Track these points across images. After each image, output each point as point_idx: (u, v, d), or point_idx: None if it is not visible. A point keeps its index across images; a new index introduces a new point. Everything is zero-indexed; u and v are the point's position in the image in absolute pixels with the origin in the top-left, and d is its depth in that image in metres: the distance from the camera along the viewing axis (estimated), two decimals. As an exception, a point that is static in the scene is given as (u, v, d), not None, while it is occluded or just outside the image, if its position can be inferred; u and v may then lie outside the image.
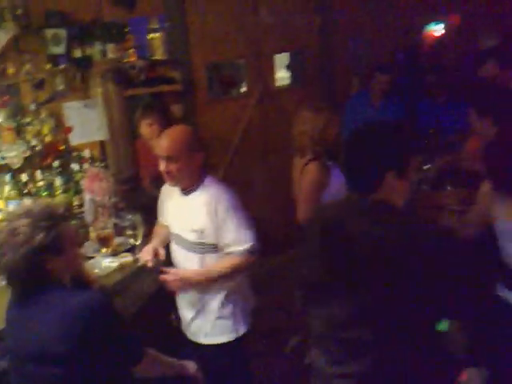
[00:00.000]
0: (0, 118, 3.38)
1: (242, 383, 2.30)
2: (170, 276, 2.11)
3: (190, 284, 2.12)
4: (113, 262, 2.41)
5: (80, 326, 1.48)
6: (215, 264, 2.11)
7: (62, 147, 3.23)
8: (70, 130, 3.17)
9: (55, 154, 3.11)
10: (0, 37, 3.21)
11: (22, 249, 1.49)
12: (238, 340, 2.19)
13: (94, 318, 1.51)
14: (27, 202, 3.26)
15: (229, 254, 2.08)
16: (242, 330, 2.20)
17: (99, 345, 1.52)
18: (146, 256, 2.28)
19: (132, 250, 2.48)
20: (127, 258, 2.43)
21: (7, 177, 3.53)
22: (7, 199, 3.52)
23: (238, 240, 2.05)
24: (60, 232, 1.57)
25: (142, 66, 3.19)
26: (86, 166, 3.45)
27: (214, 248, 2.09)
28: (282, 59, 4.39)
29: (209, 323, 2.18)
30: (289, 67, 4.51)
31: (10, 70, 3.32)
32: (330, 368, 1.56)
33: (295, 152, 2.64)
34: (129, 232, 2.48)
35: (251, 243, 2.06)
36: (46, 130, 3.37)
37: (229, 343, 2.18)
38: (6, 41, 3.22)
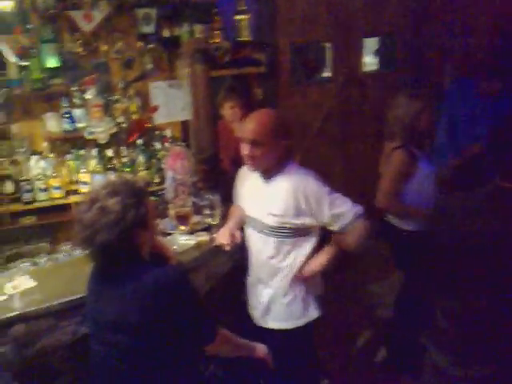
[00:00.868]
0: (90, 95, 3.61)
1: (308, 371, 2.32)
2: (306, 273, 2.16)
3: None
4: (189, 239, 2.50)
5: (156, 300, 1.55)
6: (335, 243, 2.15)
7: (147, 125, 3.39)
8: (155, 109, 3.31)
9: (140, 132, 3.26)
10: (95, 16, 3.42)
11: (116, 227, 1.56)
12: (306, 326, 2.21)
13: (172, 293, 1.58)
14: (111, 176, 3.48)
15: (339, 229, 2.10)
16: (311, 317, 2.22)
17: (174, 320, 1.59)
18: (222, 239, 2.35)
19: (208, 229, 2.56)
20: (203, 236, 2.52)
21: (94, 151, 3.78)
22: (93, 173, 3.78)
23: (342, 214, 2.07)
24: (146, 207, 1.66)
25: (227, 47, 3.26)
26: (167, 144, 3.61)
27: (293, 232, 2.12)
28: (370, 43, 4.29)
29: (278, 308, 2.21)
30: (377, 52, 4.39)
31: (102, 49, 3.53)
32: None
33: (385, 136, 2.61)
34: (206, 211, 2.55)
35: (357, 208, 2.08)
36: (132, 108, 3.56)
37: (297, 329, 2.20)
38: (99, 20, 3.43)
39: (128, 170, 3.78)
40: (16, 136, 3.80)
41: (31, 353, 2.01)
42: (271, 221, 2.12)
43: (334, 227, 2.11)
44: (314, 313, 2.24)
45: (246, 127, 2.10)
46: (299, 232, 2.13)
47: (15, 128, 3.78)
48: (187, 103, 3.31)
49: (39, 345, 2.04)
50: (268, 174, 2.15)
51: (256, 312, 2.30)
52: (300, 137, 3.89)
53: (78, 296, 2.07)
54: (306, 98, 3.86)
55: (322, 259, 2.17)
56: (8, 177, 3.66)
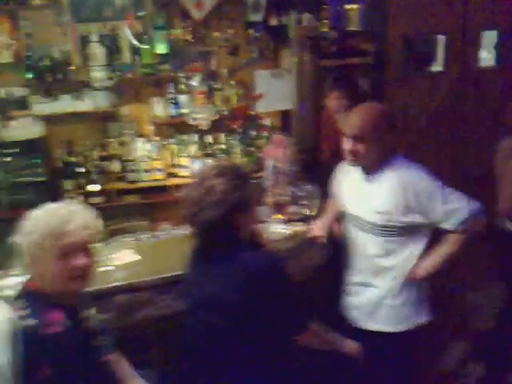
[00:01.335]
0: (195, 82, 3.76)
1: (402, 378, 2.24)
2: (419, 275, 2.09)
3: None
4: (285, 229, 2.52)
5: (253, 283, 1.58)
6: (448, 241, 2.04)
7: (248, 113, 3.45)
8: (258, 97, 3.36)
9: (241, 120, 3.33)
10: (206, 3, 3.54)
11: (220, 207, 1.60)
12: (412, 331, 2.12)
13: (269, 278, 1.60)
14: (211, 161, 3.59)
15: (453, 227, 1.99)
16: (414, 322, 2.12)
17: (267, 305, 1.61)
18: (317, 231, 2.33)
19: (304, 220, 2.57)
20: (299, 227, 2.52)
21: (195, 137, 3.94)
22: (192, 157, 3.94)
23: (456, 210, 1.96)
24: (249, 190, 1.70)
25: (334, 36, 3.22)
26: (265, 133, 3.66)
27: (400, 231, 2.04)
28: (488, 37, 4.02)
29: (384, 310, 2.13)
30: (496, 46, 4.10)
31: (210, 36, 3.65)
32: None
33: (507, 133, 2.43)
34: (304, 202, 2.56)
35: (473, 205, 1.97)
36: (234, 96, 3.66)
37: (401, 333, 2.11)
38: (210, 7, 3.55)
39: (224, 156, 3.90)
40: (125, 118, 4.07)
41: (131, 322, 2.14)
42: (376, 219, 2.05)
43: (447, 225, 1.99)
44: (422, 317, 2.13)
45: (350, 121, 2.05)
46: (407, 230, 2.04)
47: (124, 111, 4.05)
48: (290, 93, 3.32)
49: (138, 316, 2.17)
50: (371, 169, 2.09)
51: (356, 312, 2.23)
52: (404, 132, 3.75)
53: (176, 273, 2.17)
54: (414, 91, 3.69)
55: (434, 260, 2.05)
56: (116, 157, 3.94)
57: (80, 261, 1.52)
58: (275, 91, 3.40)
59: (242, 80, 3.60)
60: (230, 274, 1.61)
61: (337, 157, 2.42)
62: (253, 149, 3.59)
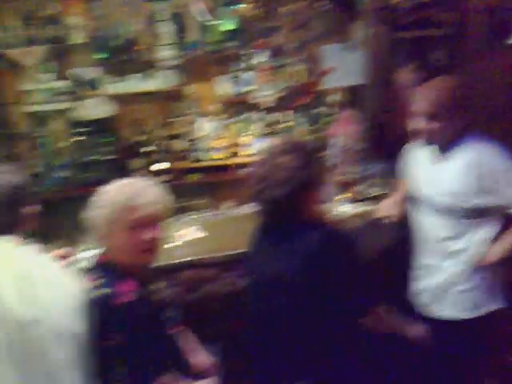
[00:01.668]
0: (260, 58, 3.73)
1: (470, 367, 2.14)
2: (489, 260, 1.99)
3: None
4: (350, 208, 2.47)
5: (319, 262, 1.55)
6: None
7: (315, 90, 3.38)
8: (327, 71, 3.27)
9: (309, 96, 3.27)
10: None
11: (287, 184, 1.58)
12: (483, 319, 2.02)
13: (336, 257, 1.57)
14: (275, 139, 3.57)
15: None
16: (485, 309, 2.02)
17: (333, 284, 1.58)
18: (385, 211, 2.25)
19: (372, 199, 2.50)
20: (366, 207, 2.46)
21: (258, 115, 3.93)
22: (255, 136, 3.93)
23: None
24: (317, 169, 1.66)
25: (408, 6, 3.06)
26: (332, 110, 3.58)
27: (471, 213, 1.94)
28: None
29: (451, 295, 2.05)
30: None
31: (278, 11, 3.59)
32: None
33: None
34: (371, 181, 2.49)
35: None
36: (301, 72, 3.59)
37: (471, 320, 2.03)
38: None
39: (290, 134, 3.86)
40: (188, 97, 4.12)
41: (194, 298, 2.19)
42: (446, 200, 1.97)
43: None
44: (495, 304, 2.03)
45: (423, 97, 1.95)
46: (478, 213, 1.94)
47: (190, 89, 4.09)
48: (360, 67, 3.20)
49: (202, 291, 2.22)
50: (444, 148, 1.99)
51: (422, 297, 2.17)
52: (480, 110, 3.53)
53: (240, 251, 2.19)
54: (494, 65, 3.46)
55: (504, 246, 1.94)
56: (179, 136, 4.01)
57: (149, 235, 1.56)
58: (344, 66, 3.28)
59: (309, 55, 3.52)
60: (295, 252, 1.60)
61: (407, 134, 2.33)
62: (319, 126, 3.52)
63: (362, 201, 2.51)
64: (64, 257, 1.89)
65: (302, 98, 3.35)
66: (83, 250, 2.27)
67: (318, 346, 1.65)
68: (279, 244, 1.65)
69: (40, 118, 4.04)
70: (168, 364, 1.59)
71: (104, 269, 1.58)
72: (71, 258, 2.02)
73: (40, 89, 3.96)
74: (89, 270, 1.63)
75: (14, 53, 3.83)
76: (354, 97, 3.35)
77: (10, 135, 4.05)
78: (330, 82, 3.35)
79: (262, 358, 1.75)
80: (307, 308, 1.61)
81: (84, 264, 1.95)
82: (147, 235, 1.55)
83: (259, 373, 1.78)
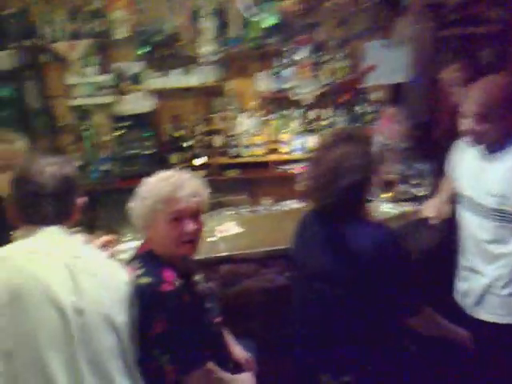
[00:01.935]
0: (301, 55, 3.72)
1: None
2: None
3: None
4: (392, 208, 2.44)
5: (371, 257, 1.56)
6: None
7: (356, 87, 3.36)
8: (370, 69, 3.24)
9: (349, 94, 3.25)
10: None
11: (354, 174, 1.58)
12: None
13: (387, 254, 1.58)
14: (317, 136, 3.56)
15: None
16: None
17: (383, 280, 1.59)
18: (429, 211, 2.22)
19: (414, 200, 2.46)
20: (408, 207, 2.43)
21: (297, 112, 3.92)
22: (293, 133, 3.93)
23: None
24: (375, 156, 1.66)
25: (456, 3, 3.00)
26: (373, 108, 3.54)
27: None
28: None
29: (493, 299, 2.00)
30: None
31: (320, 6, 3.57)
32: None
33: None
34: (414, 181, 2.45)
35: None
36: (342, 69, 3.56)
37: (507, 325, 1.97)
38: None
39: (328, 132, 3.84)
40: (228, 93, 4.15)
41: (233, 292, 2.22)
42: (490, 201, 1.92)
43: None
44: None
45: (470, 98, 1.90)
46: None
47: (229, 85, 4.13)
48: (404, 65, 3.16)
49: (240, 286, 2.25)
50: (492, 149, 1.94)
51: (467, 300, 2.12)
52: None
53: (278, 247, 2.20)
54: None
55: None
56: (219, 131, 4.05)
57: (189, 226, 1.59)
58: (387, 63, 3.24)
59: (351, 52, 3.49)
60: (348, 246, 1.61)
61: (452, 134, 2.28)
62: (359, 124, 3.49)
63: (404, 201, 2.48)
64: (107, 246, 1.94)
65: (343, 95, 3.33)
66: (125, 242, 2.33)
67: (364, 343, 1.66)
68: (333, 238, 1.67)
69: (84, 112, 4.16)
70: (212, 353, 1.62)
71: (146, 258, 1.61)
72: (114, 249, 2.07)
73: (84, 83, 4.07)
74: (131, 260, 1.67)
75: (60, 46, 3.95)
76: (397, 95, 3.30)
77: (55, 128, 4.19)
78: (372, 80, 3.31)
79: (307, 353, 1.76)
80: (356, 303, 1.63)
81: (124, 256, 2.00)
82: (188, 227, 1.58)
83: (301, 367, 1.79)
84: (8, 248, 1.43)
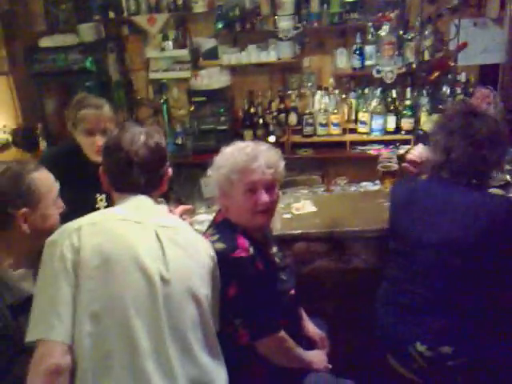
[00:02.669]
0: (384, 32, 3.59)
1: None
2: None
3: None
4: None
5: (496, 226, 1.58)
6: None
7: (442, 67, 3.21)
8: (461, 48, 3.08)
9: (437, 73, 3.11)
10: None
11: (501, 145, 1.67)
12: None
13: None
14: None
15: None
16: None
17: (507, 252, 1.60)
18: None
19: (506, 186, 2.34)
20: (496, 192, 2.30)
21: (378, 91, 3.81)
22: (373, 113, 3.83)
23: None
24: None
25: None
26: (459, 89, 3.38)
27: None
28: None
29: None
30: None
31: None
32: None
33: None
34: (507, 167, 2.33)
35: None
36: (428, 47, 3.41)
37: None
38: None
39: (409, 113, 3.71)
40: (306, 70, 4.10)
41: (306, 271, 2.21)
42: None
43: None
44: None
45: None
46: None
47: (306, 62, 4.08)
48: (498, 45, 2.97)
49: (314, 265, 2.23)
50: None
51: None
52: None
53: (356, 229, 2.16)
54: None
55: None
56: (294, 109, 4.01)
57: (263, 197, 1.59)
58: (479, 43, 3.07)
59: (438, 30, 3.33)
60: (472, 215, 1.62)
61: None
62: (443, 106, 3.34)
63: (493, 187, 2.35)
64: (185, 215, 1.97)
65: (432, 74, 3.19)
66: (200, 214, 2.37)
67: (480, 315, 1.65)
68: (466, 207, 1.66)
69: (161, 86, 4.26)
70: (285, 324, 1.63)
71: (221, 226, 1.65)
72: (191, 219, 2.12)
73: (162, 57, 4.17)
74: (207, 229, 1.70)
75: (141, 20, 4.05)
76: (484, 76, 3.13)
77: (134, 101, 4.33)
78: (464, 59, 3.15)
79: (399, 324, 1.75)
80: (476, 274, 1.64)
81: (199, 227, 2.04)
82: (260, 198, 1.59)
83: (389, 340, 1.80)
84: (100, 214, 1.47)
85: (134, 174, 1.44)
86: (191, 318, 1.37)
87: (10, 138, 3.95)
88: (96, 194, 2.21)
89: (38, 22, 4.13)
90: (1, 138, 3.97)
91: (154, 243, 1.37)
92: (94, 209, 2.19)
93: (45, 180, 1.53)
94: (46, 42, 3.97)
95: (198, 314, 1.38)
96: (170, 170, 1.55)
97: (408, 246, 1.77)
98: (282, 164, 1.68)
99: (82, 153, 2.18)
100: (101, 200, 2.22)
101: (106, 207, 2.18)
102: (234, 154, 1.62)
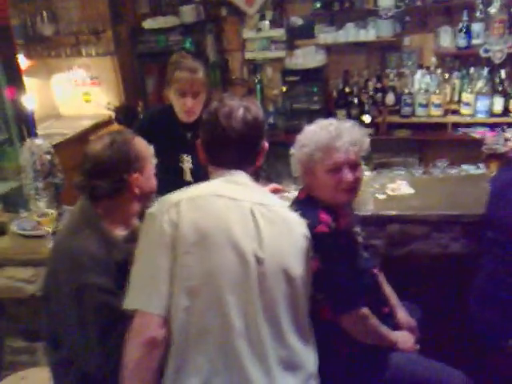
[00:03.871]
0: (494, 8, 3.39)
1: None
2: None
3: None
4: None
5: None
6: None
7: None
8: None
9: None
10: None
11: None
12: None
13: None
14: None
15: None
16: None
17: None
18: None
19: None
20: None
21: (484, 71, 3.61)
22: (478, 94, 3.64)
23: None
24: None
25: None
26: None
27: None
28: None
29: None
30: None
31: None
32: None
33: None
34: None
35: None
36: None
37: None
38: None
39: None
40: (406, 49, 3.98)
41: (401, 253, 2.19)
42: None
43: None
44: None
45: None
46: None
47: (407, 41, 3.95)
48: None
49: (408, 248, 2.20)
50: None
51: None
52: None
53: (455, 213, 2.10)
54: None
55: None
56: (392, 88, 3.91)
57: (346, 175, 1.58)
58: None
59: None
60: None
61: None
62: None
63: None
64: (275, 193, 1.99)
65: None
66: (288, 192, 2.39)
67: None
68: None
69: (256, 66, 4.34)
70: (367, 301, 1.62)
71: (304, 203, 1.66)
72: (281, 197, 2.15)
73: (258, 37, 4.23)
74: (289, 205, 1.66)
75: (239, 0, 4.13)
76: None
77: (229, 81, 4.45)
78: None
79: (498, 316, 1.72)
80: None
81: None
82: (344, 176, 1.58)
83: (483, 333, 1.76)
84: (196, 188, 1.44)
85: (230, 150, 1.42)
86: (284, 298, 1.35)
87: (113, 115, 4.24)
88: (182, 153, 2.27)
89: (143, 4, 4.36)
90: (105, 114, 4.28)
91: (250, 221, 1.35)
92: (178, 168, 2.27)
93: (144, 145, 1.61)
94: (149, 24, 4.18)
95: (290, 294, 1.36)
96: (266, 145, 1.52)
97: (506, 237, 1.70)
98: (367, 141, 1.65)
99: (174, 113, 2.23)
100: (187, 161, 2.28)
101: (191, 169, 2.27)
102: (316, 132, 1.61)
